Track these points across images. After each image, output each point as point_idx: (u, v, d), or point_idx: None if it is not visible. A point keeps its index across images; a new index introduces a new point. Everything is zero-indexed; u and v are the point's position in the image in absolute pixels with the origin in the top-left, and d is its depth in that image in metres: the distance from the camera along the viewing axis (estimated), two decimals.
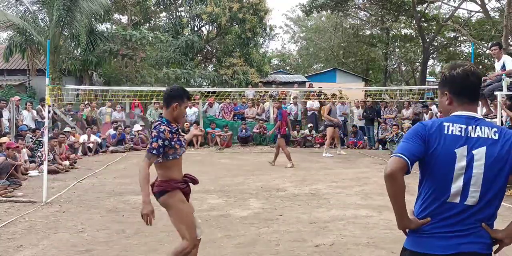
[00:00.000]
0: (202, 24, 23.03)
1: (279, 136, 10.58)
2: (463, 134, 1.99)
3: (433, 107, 13.74)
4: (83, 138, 13.11)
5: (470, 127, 2.01)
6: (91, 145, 13.17)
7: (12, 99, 12.51)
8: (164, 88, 16.44)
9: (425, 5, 23.28)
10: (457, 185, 1.98)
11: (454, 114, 2.07)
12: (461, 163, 1.97)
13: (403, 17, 25.23)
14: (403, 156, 1.95)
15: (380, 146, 14.26)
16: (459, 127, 2.00)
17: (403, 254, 2.21)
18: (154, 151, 3.39)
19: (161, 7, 23.27)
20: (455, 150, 1.97)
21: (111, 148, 13.67)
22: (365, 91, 18.97)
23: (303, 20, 36.78)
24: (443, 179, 1.99)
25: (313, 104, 16.20)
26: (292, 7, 51.17)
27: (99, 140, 13.53)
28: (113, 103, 14.97)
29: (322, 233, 5.25)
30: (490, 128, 2.02)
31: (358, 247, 4.78)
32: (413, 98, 15.68)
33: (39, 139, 10.15)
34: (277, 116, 10.90)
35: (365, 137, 14.85)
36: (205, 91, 16.93)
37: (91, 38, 18.21)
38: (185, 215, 3.55)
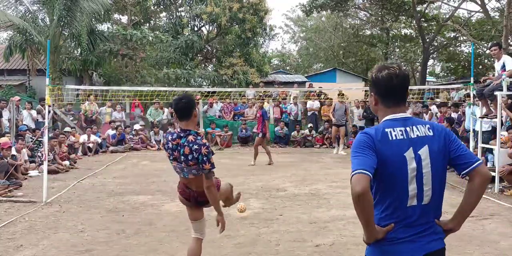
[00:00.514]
0: (202, 24, 23.01)
1: (260, 135, 10.80)
2: (405, 137, 2.02)
3: (433, 107, 13.74)
4: (83, 138, 13.11)
5: (408, 128, 2.04)
6: (91, 145, 13.17)
7: (12, 99, 12.51)
8: (164, 88, 16.51)
9: (425, 5, 23.28)
10: (413, 188, 2.00)
11: (388, 118, 2.10)
12: (412, 165, 2.00)
13: (403, 17, 25.23)
14: (366, 172, 1.89)
15: None
16: (400, 130, 2.03)
17: None
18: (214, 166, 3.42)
19: (161, 7, 23.26)
20: (404, 154, 1.99)
21: (111, 148, 13.68)
22: (365, 91, 18.94)
23: (303, 20, 36.77)
24: (401, 184, 2.00)
25: (313, 104, 16.20)
26: (292, 7, 51.20)
27: (99, 140, 13.53)
28: (113, 103, 14.98)
29: (322, 233, 5.25)
30: (424, 125, 2.08)
31: (358, 247, 4.78)
32: (413, 98, 15.67)
33: (39, 139, 10.15)
34: (263, 116, 11.10)
35: None
36: (205, 91, 16.93)
37: (91, 38, 18.22)
38: None
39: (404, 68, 2.18)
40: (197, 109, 3.55)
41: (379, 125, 2.10)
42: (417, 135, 2.04)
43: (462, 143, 2.15)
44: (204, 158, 3.31)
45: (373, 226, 1.99)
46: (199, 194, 3.55)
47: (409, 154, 2.00)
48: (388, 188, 2.02)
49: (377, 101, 2.15)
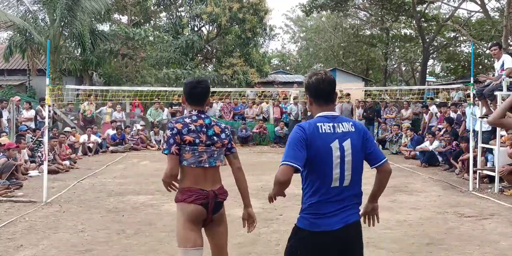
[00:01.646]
0: (202, 24, 23.02)
1: None
2: (332, 131, 2.45)
3: (433, 107, 13.73)
4: (83, 138, 13.11)
5: (335, 124, 2.47)
6: (91, 145, 13.17)
7: (12, 99, 12.52)
8: (164, 88, 16.50)
9: (425, 5, 23.26)
10: (336, 172, 2.44)
11: (320, 115, 2.51)
12: (336, 154, 2.42)
13: (403, 17, 25.20)
14: (293, 164, 2.33)
15: (380, 146, 14.26)
16: (329, 126, 2.45)
17: (300, 234, 2.52)
18: None
19: (161, 7, 23.27)
20: (331, 145, 2.42)
21: (111, 148, 13.67)
22: (365, 91, 18.97)
23: (303, 20, 36.77)
24: (326, 168, 2.43)
25: None
26: (292, 7, 51.18)
27: (99, 140, 13.53)
28: (113, 103, 14.98)
29: None
30: (348, 122, 2.52)
31: None
32: (412, 98, 15.67)
33: (39, 139, 10.15)
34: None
35: None
36: None
37: (92, 38, 18.22)
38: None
39: (330, 73, 2.58)
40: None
41: (313, 120, 2.50)
42: (342, 130, 2.47)
43: (375, 141, 2.66)
44: (231, 137, 3.19)
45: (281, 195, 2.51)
46: (218, 192, 3.07)
47: (335, 144, 2.43)
48: (317, 171, 2.44)
49: (311, 101, 2.57)
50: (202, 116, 3.09)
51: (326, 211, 2.45)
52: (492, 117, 3.30)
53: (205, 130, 3.04)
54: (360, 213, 2.66)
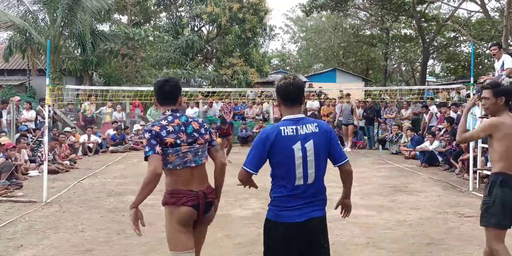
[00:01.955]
0: (202, 24, 23.02)
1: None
2: (295, 134, 2.64)
3: (433, 107, 13.73)
4: (83, 138, 13.11)
5: (299, 127, 2.65)
6: (91, 145, 13.16)
7: (12, 99, 12.51)
8: None
9: (425, 5, 23.26)
10: (299, 171, 2.64)
11: (285, 118, 2.73)
12: (298, 154, 2.62)
13: (403, 17, 25.21)
14: (247, 169, 2.70)
15: (380, 146, 14.26)
16: (291, 128, 2.64)
17: (267, 224, 2.76)
18: None
19: (161, 7, 23.26)
20: (293, 147, 2.62)
21: (111, 148, 13.67)
22: (365, 91, 18.97)
23: (303, 20, 36.77)
24: (290, 169, 2.64)
25: (312, 104, 16.23)
26: (292, 7, 51.20)
27: (99, 140, 13.53)
28: (114, 103, 14.97)
29: None
30: (312, 124, 2.69)
31: (358, 247, 4.78)
32: (413, 98, 15.67)
33: (39, 139, 10.15)
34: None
35: (365, 137, 14.85)
36: (205, 91, 16.93)
37: (92, 38, 18.21)
38: None
39: (299, 78, 2.79)
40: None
41: (277, 124, 2.73)
42: (306, 132, 2.65)
43: (338, 142, 2.83)
44: (211, 130, 3.13)
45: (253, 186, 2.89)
46: (208, 192, 2.99)
47: (297, 146, 2.62)
48: (281, 171, 2.68)
49: (280, 103, 2.78)
50: (177, 115, 3.01)
51: (290, 205, 2.68)
52: (458, 136, 3.51)
53: (183, 128, 2.96)
54: (336, 204, 3.05)
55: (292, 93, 2.71)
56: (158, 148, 2.85)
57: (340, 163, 2.79)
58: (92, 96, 14.82)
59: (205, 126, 3.08)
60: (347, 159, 2.82)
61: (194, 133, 2.99)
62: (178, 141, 2.91)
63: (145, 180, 2.86)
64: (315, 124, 2.71)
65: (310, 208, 2.71)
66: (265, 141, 2.64)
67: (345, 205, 3.08)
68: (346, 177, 2.89)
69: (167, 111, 3.02)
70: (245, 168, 2.71)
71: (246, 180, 2.77)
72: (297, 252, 2.70)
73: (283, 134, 2.63)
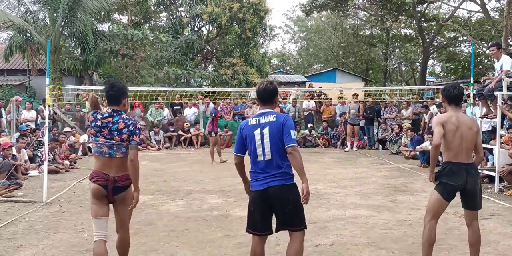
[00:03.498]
0: (202, 24, 22.97)
1: (213, 134, 11.19)
2: (257, 122, 3.56)
3: (433, 107, 13.73)
4: (83, 138, 13.11)
5: (261, 118, 3.57)
6: (91, 145, 13.14)
7: (13, 99, 12.51)
8: (164, 88, 16.48)
9: (425, 5, 23.24)
10: (259, 150, 3.52)
11: (257, 112, 3.66)
12: (257, 138, 3.52)
13: (403, 17, 25.18)
14: (238, 154, 3.69)
15: (380, 146, 14.27)
16: (256, 119, 3.59)
17: (250, 194, 3.65)
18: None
19: (161, 7, 23.23)
20: (254, 132, 3.54)
21: None
22: (365, 91, 18.97)
23: (303, 20, 36.75)
24: (253, 148, 3.55)
25: (309, 104, 16.26)
26: (292, 7, 51.14)
27: None
28: None
29: (322, 233, 5.25)
30: (271, 115, 3.55)
31: (358, 247, 4.78)
32: (413, 98, 15.67)
33: (39, 139, 10.15)
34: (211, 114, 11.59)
35: (365, 137, 14.85)
36: (205, 91, 16.93)
37: (92, 38, 18.20)
38: None
39: (272, 84, 3.67)
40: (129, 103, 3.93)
41: (251, 117, 3.69)
42: (265, 121, 3.53)
43: (291, 130, 3.47)
44: (137, 131, 3.76)
45: (247, 179, 3.70)
46: (118, 178, 3.71)
47: (257, 131, 3.53)
48: (249, 151, 3.60)
49: (258, 102, 3.73)
50: (114, 114, 3.74)
51: (256, 177, 3.55)
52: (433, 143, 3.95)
53: (110, 125, 3.70)
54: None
55: (263, 96, 3.63)
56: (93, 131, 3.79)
57: (287, 146, 3.44)
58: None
59: (130, 128, 3.73)
60: (291, 144, 3.44)
61: (115, 132, 3.69)
62: (99, 134, 3.71)
63: None
64: (274, 115, 3.55)
65: (269, 179, 3.48)
66: (239, 130, 3.66)
67: (303, 189, 3.49)
68: (291, 158, 3.45)
69: (108, 110, 3.78)
70: (234, 153, 3.72)
71: (238, 162, 3.70)
72: (265, 214, 3.51)
73: (249, 124, 3.61)
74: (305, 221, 3.59)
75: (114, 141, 3.70)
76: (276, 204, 3.48)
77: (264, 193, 3.47)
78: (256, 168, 3.54)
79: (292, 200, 3.47)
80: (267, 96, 3.63)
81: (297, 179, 3.53)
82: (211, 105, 15.96)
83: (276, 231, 3.60)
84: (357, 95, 15.75)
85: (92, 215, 3.79)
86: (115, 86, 3.81)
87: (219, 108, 16.13)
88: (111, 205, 3.87)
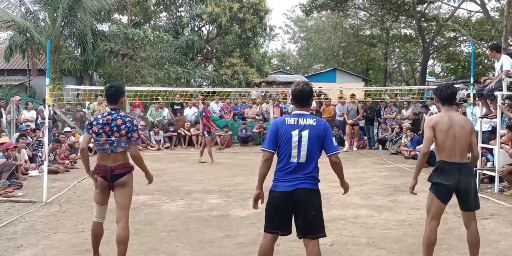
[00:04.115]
0: (202, 24, 22.99)
1: (206, 134, 11.24)
2: (296, 123, 3.47)
3: (433, 107, 13.73)
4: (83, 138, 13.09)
5: (300, 119, 3.48)
6: (91, 145, 13.13)
7: (13, 99, 12.51)
8: (164, 88, 16.48)
9: (425, 5, 23.24)
10: (294, 151, 3.44)
11: (293, 112, 3.60)
12: (295, 139, 3.43)
13: (403, 17, 25.17)
14: (269, 150, 3.52)
15: (380, 146, 14.26)
16: (294, 119, 3.49)
17: (269, 193, 3.56)
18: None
19: (161, 7, 23.23)
20: (291, 132, 3.45)
21: None
22: (365, 91, 18.97)
23: (303, 20, 36.75)
24: (287, 148, 3.46)
25: None
26: (292, 7, 51.13)
27: None
28: None
29: None
30: (311, 119, 3.50)
31: (358, 247, 4.78)
32: (413, 98, 15.66)
33: (39, 139, 10.15)
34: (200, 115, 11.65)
35: (365, 137, 14.85)
36: (205, 91, 16.94)
37: (92, 38, 18.20)
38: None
39: (308, 85, 3.59)
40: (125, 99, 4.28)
41: (286, 115, 3.69)
42: (304, 123, 3.46)
43: (333, 138, 3.55)
44: (135, 128, 4.07)
45: (262, 184, 3.59)
46: (115, 167, 4.06)
47: (295, 132, 3.44)
48: (282, 150, 3.49)
49: (292, 103, 3.66)
50: (113, 112, 4.09)
51: (283, 178, 3.47)
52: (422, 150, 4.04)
53: (110, 122, 4.03)
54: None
55: (300, 97, 3.55)
56: (90, 131, 4.09)
57: (329, 154, 3.51)
58: (99, 96, 14.77)
59: (127, 124, 4.04)
60: (335, 152, 3.51)
61: (114, 128, 4.02)
62: (101, 131, 4.03)
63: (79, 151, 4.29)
64: (314, 119, 3.51)
65: (298, 181, 3.44)
66: (274, 126, 3.53)
67: (342, 186, 3.81)
68: (333, 166, 3.57)
69: (109, 109, 4.14)
70: (264, 148, 3.53)
71: (267, 158, 3.52)
72: (288, 214, 3.47)
73: (286, 123, 3.49)
74: (325, 228, 3.58)
75: (113, 138, 4.01)
76: (301, 207, 3.44)
77: (291, 194, 3.43)
78: (286, 169, 3.48)
79: (317, 205, 3.49)
80: (304, 97, 3.55)
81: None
82: (212, 105, 15.96)
83: (300, 238, 3.57)
84: (354, 95, 15.69)
85: (95, 201, 4.31)
86: (113, 86, 4.16)
87: (219, 108, 16.16)
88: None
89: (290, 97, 3.62)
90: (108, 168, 4.06)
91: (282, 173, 3.49)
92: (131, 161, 4.18)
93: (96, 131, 4.03)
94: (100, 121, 4.04)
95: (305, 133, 3.42)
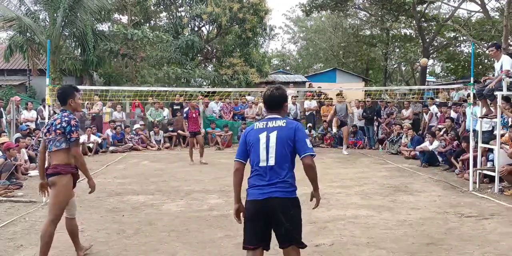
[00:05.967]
0: (202, 24, 22.98)
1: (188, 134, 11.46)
2: (264, 127, 3.35)
3: (433, 107, 13.73)
4: (83, 138, 13.08)
5: (269, 122, 3.36)
6: (91, 145, 13.15)
7: (12, 99, 12.50)
8: (164, 88, 16.47)
9: (425, 5, 23.25)
10: (263, 154, 3.26)
11: (265, 118, 3.47)
12: (263, 141, 3.28)
13: (403, 17, 25.19)
14: (239, 160, 3.40)
15: (380, 146, 14.26)
16: (263, 123, 3.39)
17: (245, 204, 3.37)
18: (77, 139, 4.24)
19: (161, 7, 23.23)
20: (259, 135, 3.32)
21: (111, 148, 13.67)
22: (365, 91, 18.96)
23: (303, 20, 36.76)
24: (256, 153, 3.30)
25: (310, 104, 16.23)
26: (292, 7, 51.16)
27: (99, 140, 13.52)
28: (114, 103, 14.96)
29: (322, 233, 5.25)
30: (281, 120, 3.35)
31: (358, 247, 4.78)
32: (413, 98, 15.66)
33: (39, 139, 10.15)
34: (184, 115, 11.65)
35: (365, 137, 14.85)
36: (205, 91, 16.93)
37: (92, 38, 18.20)
38: (66, 196, 4.35)
39: (279, 89, 3.46)
40: (77, 99, 4.37)
41: (257, 121, 3.78)
42: (273, 126, 3.32)
43: (306, 138, 3.29)
44: (72, 129, 4.15)
45: (239, 197, 3.41)
46: (49, 167, 4.26)
47: (263, 135, 3.30)
48: (252, 155, 3.33)
49: (265, 108, 3.55)
50: (60, 112, 4.29)
51: (255, 184, 3.27)
52: None
53: (53, 122, 4.21)
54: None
55: (270, 102, 3.46)
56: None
57: (301, 156, 3.25)
58: (96, 96, 14.77)
59: (63, 124, 4.14)
60: (308, 153, 3.24)
61: (53, 127, 4.18)
62: (45, 130, 4.28)
63: None
64: (284, 121, 3.36)
65: (271, 189, 3.21)
66: (243, 136, 3.45)
67: (313, 195, 3.51)
68: (305, 169, 3.25)
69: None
70: (235, 159, 3.43)
71: (238, 168, 3.38)
72: (261, 227, 3.24)
73: (255, 128, 3.41)
74: (301, 239, 3.30)
75: (51, 136, 4.20)
76: (274, 218, 3.19)
77: (263, 204, 3.19)
78: (257, 174, 3.27)
79: (294, 215, 3.23)
80: (274, 102, 3.43)
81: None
82: (211, 105, 15.96)
83: (281, 247, 3.30)
84: (341, 94, 14.78)
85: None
86: (60, 89, 4.40)
87: (218, 108, 16.15)
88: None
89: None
90: (46, 167, 4.33)
91: (252, 179, 3.30)
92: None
93: (44, 130, 4.34)
94: (49, 121, 4.35)
95: (273, 135, 3.26)
